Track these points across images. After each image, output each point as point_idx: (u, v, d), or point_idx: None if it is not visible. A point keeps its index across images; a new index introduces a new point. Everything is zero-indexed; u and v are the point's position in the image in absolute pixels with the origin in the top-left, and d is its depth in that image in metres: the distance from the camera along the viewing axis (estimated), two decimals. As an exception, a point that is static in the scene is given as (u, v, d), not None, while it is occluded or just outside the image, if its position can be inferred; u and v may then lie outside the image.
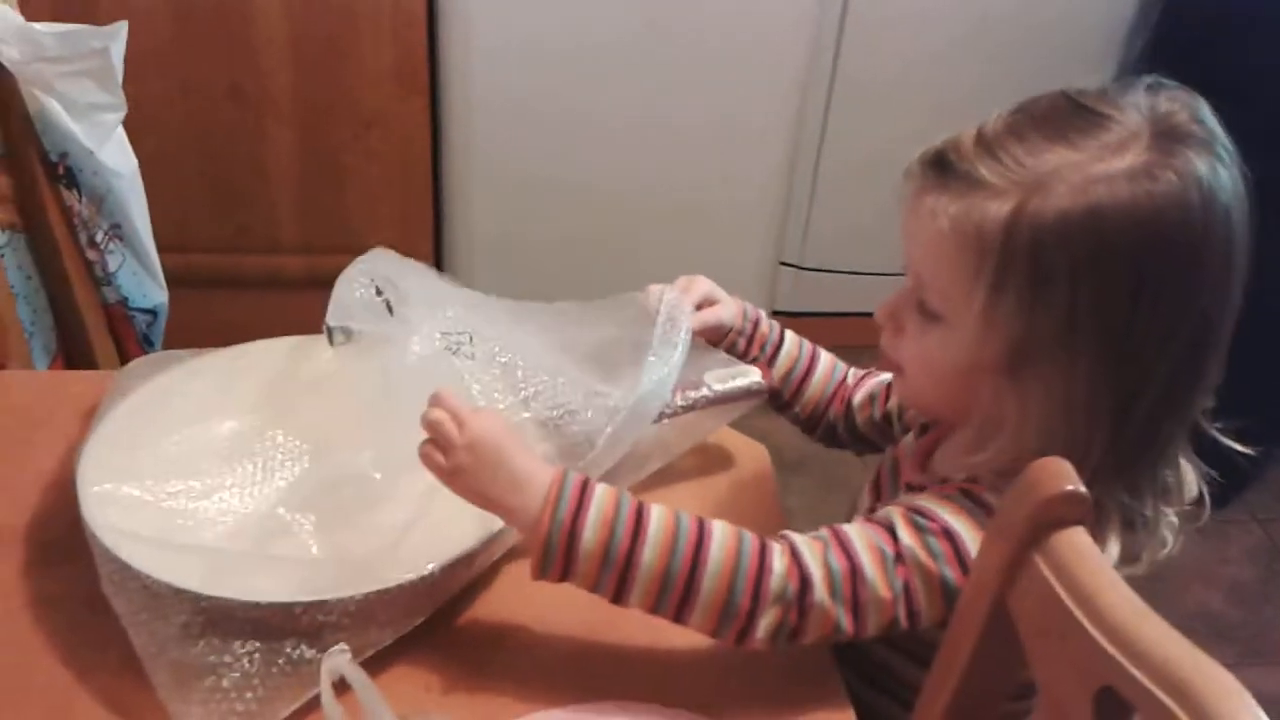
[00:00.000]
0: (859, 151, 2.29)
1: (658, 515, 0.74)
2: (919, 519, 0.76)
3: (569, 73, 2.06)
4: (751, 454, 1.03)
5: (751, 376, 0.98)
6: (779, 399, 1.05)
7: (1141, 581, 0.63)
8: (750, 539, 0.75)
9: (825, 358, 1.07)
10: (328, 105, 2.05)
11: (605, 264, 2.22)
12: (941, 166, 0.76)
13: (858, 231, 2.38)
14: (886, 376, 1.04)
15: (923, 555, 0.75)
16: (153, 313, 1.41)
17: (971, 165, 0.74)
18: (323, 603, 0.73)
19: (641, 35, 2.04)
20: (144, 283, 1.40)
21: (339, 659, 0.67)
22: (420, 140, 2.11)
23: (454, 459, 0.75)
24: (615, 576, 0.73)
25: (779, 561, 0.73)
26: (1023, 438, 0.76)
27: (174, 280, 1.64)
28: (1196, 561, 2.00)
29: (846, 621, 0.75)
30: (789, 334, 1.06)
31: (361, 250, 0.98)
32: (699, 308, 1.00)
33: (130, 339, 1.47)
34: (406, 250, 2.42)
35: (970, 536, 0.75)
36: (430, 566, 0.77)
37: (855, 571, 0.74)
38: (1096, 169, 0.71)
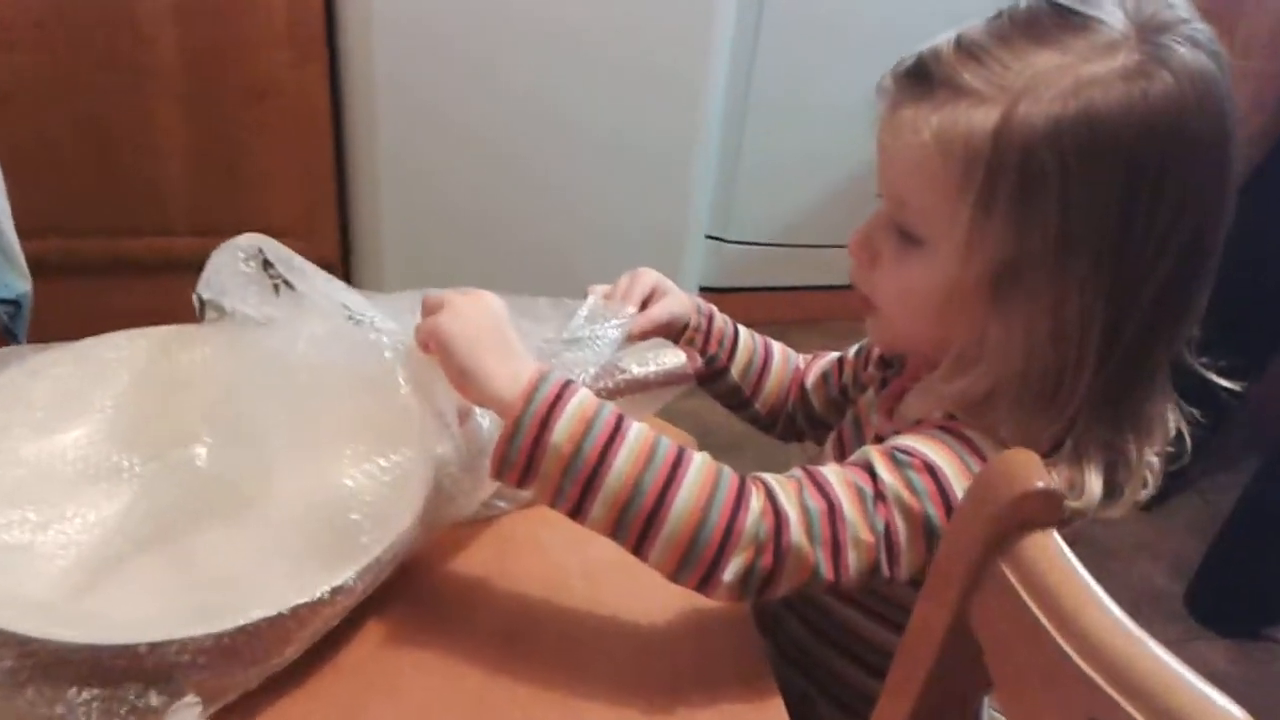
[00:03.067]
0: (783, 123, 2.20)
1: (638, 428, 0.68)
2: (899, 455, 0.70)
3: (481, 33, 1.94)
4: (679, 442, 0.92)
5: (675, 356, 0.88)
6: (738, 397, 1.00)
7: (1084, 556, 0.55)
8: (729, 473, 0.69)
9: (777, 347, 1.03)
10: (216, 74, 1.92)
11: (524, 245, 2.11)
12: (920, 76, 0.70)
13: (784, 203, 2.30)
14: (834, 355, 1.00)
15: (905, 493, 0.68)
16: (15, 304, 1.27)
17: (954, 72, 0.68)
18: (170, 643, 0.62)
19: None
20: (1, 271, 1.26)
21: (186, 714, 0.57)
22: (320, 110, 1.98)
23: (454, 304, 0.72)
24: (582, 480, 0.67)
25: (756, 500, 0.67)
26: (1006, 364, 0.71)
27: (55, 268, 1.51)
28: (1139, 536, 1.95)
29: (825, 565, 0.68)
30: (741, 327, 1.01)
31: (262, 229, 0.87)
32: (645, 304, 0.93)
33: (-10, 334, 1.33)
34: (309, 229, 2.29)
35: (953, 472, 0.69)
36: (301, 598, 0.66)
37: (833, 510, 0.68)
38: (1087, 71, 0.66)
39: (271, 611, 0.64)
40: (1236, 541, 1.88)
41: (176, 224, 2.02)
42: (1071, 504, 0.69)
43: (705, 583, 0.67)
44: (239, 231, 0.90)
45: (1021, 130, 0.66)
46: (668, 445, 0.68)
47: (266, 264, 0.78)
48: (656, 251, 2.11)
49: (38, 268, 1.47)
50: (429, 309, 0.75)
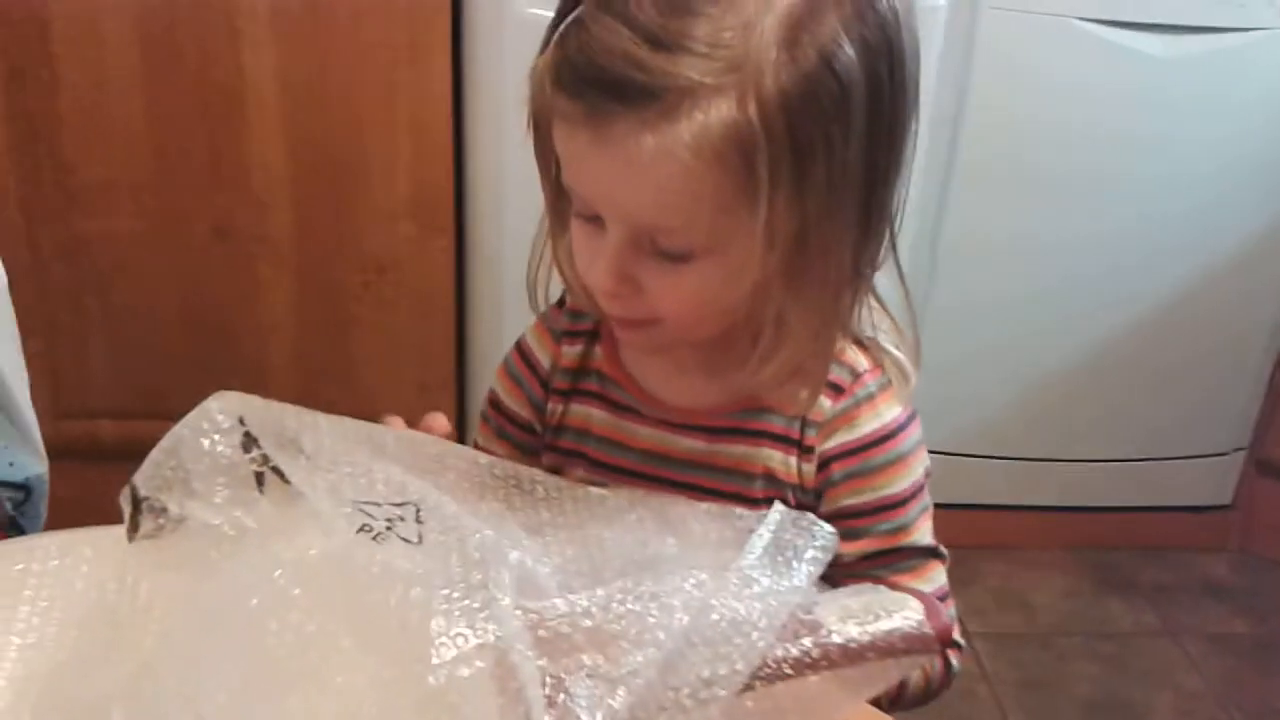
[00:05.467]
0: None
1: None
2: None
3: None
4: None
5: (906, 610, 0.55)
6: None
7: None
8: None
9: None
10: (333, 246, 1.73)
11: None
12: (627, 90, 0.62)
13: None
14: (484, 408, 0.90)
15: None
16: (24, 488, 1.02)
17: (667, 72, 0.62)
18: None
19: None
20: (11, 449, 1.01)
21: None
22: (443, 286, 1.78)
23: None
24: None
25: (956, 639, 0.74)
26: (812, 322, 0.73)
27: (138, 454, 1.29)
28: None
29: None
30: None
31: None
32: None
33: (-9, 521, 1.08)
34: (420, 416, 2.00)
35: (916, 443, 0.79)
36: None
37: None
38: (782, 16, 0.63)
39: None
40: None
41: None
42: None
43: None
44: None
45: (777, 102, 0.63)
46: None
47: (249, 440, 0.49)
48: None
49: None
50: None
